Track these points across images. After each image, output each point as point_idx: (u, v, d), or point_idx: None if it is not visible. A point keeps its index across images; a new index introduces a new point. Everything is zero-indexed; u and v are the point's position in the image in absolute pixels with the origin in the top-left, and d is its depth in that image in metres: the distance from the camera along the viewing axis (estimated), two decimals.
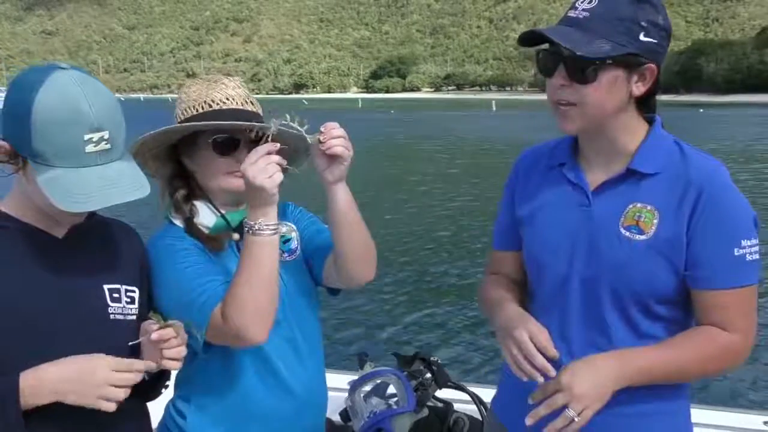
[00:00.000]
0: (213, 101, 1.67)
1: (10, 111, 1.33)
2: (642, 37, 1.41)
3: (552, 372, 1.44)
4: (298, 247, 1.84)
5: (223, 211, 1.72)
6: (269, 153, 1.50)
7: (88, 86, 1.34)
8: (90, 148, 1.33)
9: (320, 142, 1.55)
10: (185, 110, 1.69)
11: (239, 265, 1.56)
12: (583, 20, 1.42)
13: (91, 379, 1.31)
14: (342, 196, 1.62)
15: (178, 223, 1.72)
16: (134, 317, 1.54)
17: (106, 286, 1.51)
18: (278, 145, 1.52)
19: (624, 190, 1.52)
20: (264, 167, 1.49)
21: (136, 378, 1.36)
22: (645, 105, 1.54)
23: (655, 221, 1.47)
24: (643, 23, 1.40)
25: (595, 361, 1.44)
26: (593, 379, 1.41)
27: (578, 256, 1.55)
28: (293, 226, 1.87)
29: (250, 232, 1.54)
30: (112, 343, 1.47)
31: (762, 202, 13.95)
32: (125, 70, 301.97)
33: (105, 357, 1.34)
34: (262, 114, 1.72)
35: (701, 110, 52.31)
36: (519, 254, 1.71)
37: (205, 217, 1.71)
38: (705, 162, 1.50)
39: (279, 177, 1.50)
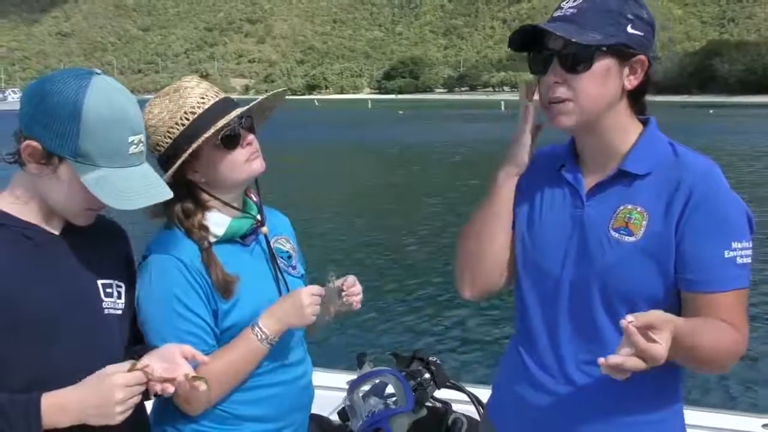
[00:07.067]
0: (193, 107, 1.65)
1: (52, 112, 1.36)
2: (629, 29, 1.43)
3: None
4: (297, 265, 1.91)
5: (236, 214, 1.74)
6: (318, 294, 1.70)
7: (124, 91, 1.44)
8: (132, 149, 1.42)
9: (341, 290, 1.74)
10: (167, 132, 1.66)
11: (229, 354, 1.65)
12: (571, 16, 1.45)
13: (111, 401, 1.34)
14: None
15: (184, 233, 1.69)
16: (120, 312, 1.57)
17: (99, 282, 1.54)
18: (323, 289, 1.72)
19: (615, 192, 1.51)
20: (317, 306, 1.69)
21: (142, 388, 1.38)
22: (637, 105, 1.55)
23: (645, 222, 1.46)
24: (629, 16, 1.44)
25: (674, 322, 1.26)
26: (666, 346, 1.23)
27: (569, 259, 1.54)
28: (294, 245, 1.93)
29: (266, 341, 1.67)
30: (107, 338, 1.53)
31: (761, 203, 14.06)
32: (140, 71, 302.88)
33: (114, 374, 1.35)
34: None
35: (711, 111, 51.79)
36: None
37: (215, 226, 1.70)
38: (697, 162, 1.48)
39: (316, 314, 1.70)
